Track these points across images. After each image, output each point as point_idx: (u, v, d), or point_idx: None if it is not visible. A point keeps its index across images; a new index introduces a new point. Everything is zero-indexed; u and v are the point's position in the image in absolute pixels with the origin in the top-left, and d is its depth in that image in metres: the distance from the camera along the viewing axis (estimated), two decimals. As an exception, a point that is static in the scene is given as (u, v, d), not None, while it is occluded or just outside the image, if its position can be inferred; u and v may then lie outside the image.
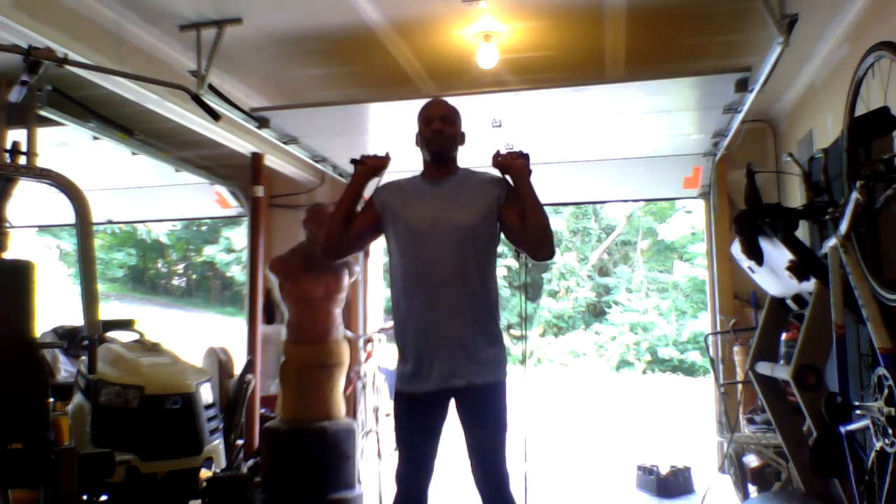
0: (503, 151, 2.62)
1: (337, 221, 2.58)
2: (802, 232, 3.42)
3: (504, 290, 20.26)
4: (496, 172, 2.63)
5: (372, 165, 2.67)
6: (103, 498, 3.49)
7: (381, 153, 2.72)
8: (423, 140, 2.63)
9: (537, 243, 2.46)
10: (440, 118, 2.60)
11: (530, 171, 2.52)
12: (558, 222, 20.54)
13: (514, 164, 2.54)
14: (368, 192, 2.72)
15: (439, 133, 2.58)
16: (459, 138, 2.69)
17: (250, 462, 4.58)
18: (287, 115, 4.39)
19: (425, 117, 2.63)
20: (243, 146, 5.08)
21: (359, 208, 2.66)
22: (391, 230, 2.57)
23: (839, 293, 2.33)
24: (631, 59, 4.40)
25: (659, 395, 13.31)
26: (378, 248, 6.67)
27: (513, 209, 2.49)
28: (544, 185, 6.05)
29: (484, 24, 3.90)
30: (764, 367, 3.25)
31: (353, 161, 2.68)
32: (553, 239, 2.51)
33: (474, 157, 5.76)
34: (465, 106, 4.27)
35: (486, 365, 2.44)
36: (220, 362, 4.84)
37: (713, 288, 5.63)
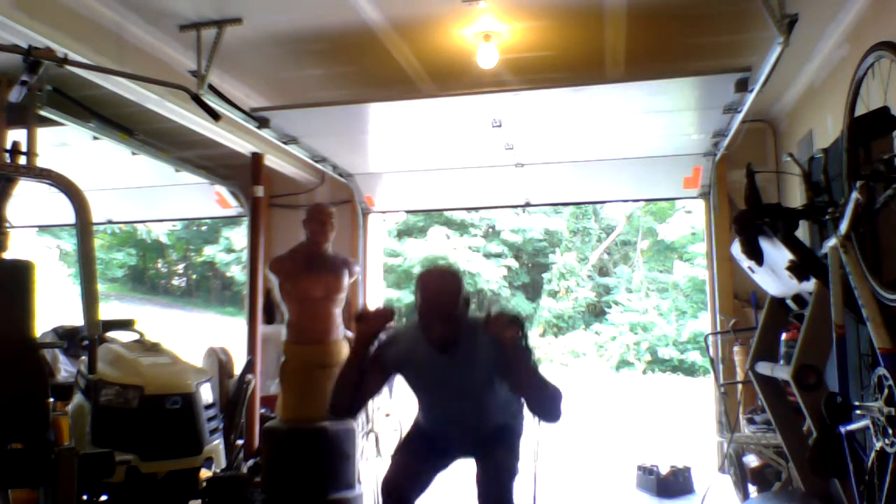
0: (494, 313, 2.49)
1: (345, 388, 2.52)
2: (802, 232, 3.41)
3: (504, 290, 20.29)
4: None
5: (374, 327, 2.53)
6: (103, 498, 3.49)
7: (382, 309, 2.61)
8: (421, 318, 2.48)
9: (538, 413, 2.48)
10: (437, 311, 2.44)
11: (524, 334, 2.43)
12: (558, 222, 20.57)
13: (504, 337, 2.40)
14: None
15: (437, 319, 2.44)
16: (462, 305, 2.48)
17: (250, 462, 4.57)
18: (287, 115, 4.39)
19: (421, 302, 2.47)
20: (243, 146, 5.08)
21: None
22: (405, 379, 2.65)
23: (839, 293, 2.33)
24: (631, 59, 4.40)
25: (659, 395, 13.31)
26: (379, 250, 6.69)
27: (512, 375, 2.48)
28: (544, 185, 6.07)
29: (484, 24, 3.90)
30: (764, 367, 3.25)
31: (356, 317, 2.56)
32: (556, 404, 2.43)
33: (475, 157, 5.78)
34: (465, 106, 4.33)
35: (502, 415, 2.64)
36: (220, 362, 4.83)
37: (713, 288, 5.63)
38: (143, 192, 6.51)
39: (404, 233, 20.00)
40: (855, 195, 2.18)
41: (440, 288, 2.46)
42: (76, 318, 3.47)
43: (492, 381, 2.53)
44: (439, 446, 2.63)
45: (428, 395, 2.66)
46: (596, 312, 20.11)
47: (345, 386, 2.51)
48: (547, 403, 2.43)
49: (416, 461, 2.56)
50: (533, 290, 20.98)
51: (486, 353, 2.46)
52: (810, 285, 2.84)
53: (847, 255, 2.23)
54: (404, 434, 2.72)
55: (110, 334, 4.24)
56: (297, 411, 4.07)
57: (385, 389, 6.07)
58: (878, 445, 2.01)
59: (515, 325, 2.40)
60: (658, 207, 19.21)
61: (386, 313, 2.54)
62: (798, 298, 3.23)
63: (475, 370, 2.49)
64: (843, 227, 2.26)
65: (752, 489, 4.01)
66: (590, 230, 21.24)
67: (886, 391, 1.97)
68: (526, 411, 2.59)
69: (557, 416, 2.43)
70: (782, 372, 2.97)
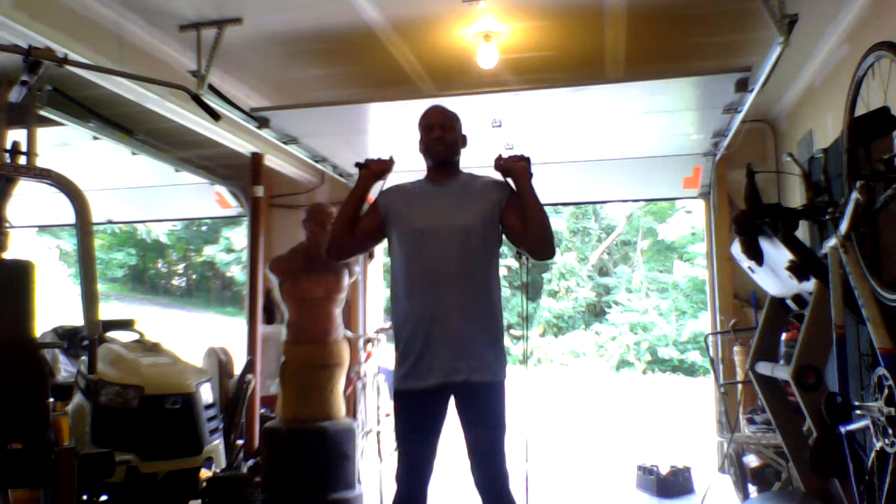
0: (504, 154, 2.64)
1: (341, 223, 2.62)
2: (802, 232, 3.41)
3: (504, 290, 20.24)
4: (498, 176, 2.66)
5: (376, 169, 2.70)
6: (103, 498, 3.49)
7: (385, 156, 2.75)
8: (425, 147, 2.68)
9: (538, 243, 2.52)
10: (439, 125, 2.65)
11: (531, 174, 2.55)
12: (558, 222, 20.55)
13: (516, 166, 2.56)
14: (373, 192, 2.74)
15: (440, 140, 2.63)
16: (461, 142, 2.73)
17: (250, 462, 4.58)
18: (287, 115, 4.39)
19: (425, 125, 2.69)
20: (243, 146, 5.08)
21: (363, 210, 2.69)
22: (395, 232, 2.60)
23: (839, 293, 2.33)
24: (631, 59, 4.40)
25: (659, 395, 13.31)
26: (380, 249, 6.68)
27: (514, 211, 2.55)
28: (544, 185, 6.04)
29: (484, 24, 3.90)
30: (764, 367, 3.26)
31: (358, 164, 2.70)
32: (553, 238, 2.57)
33: (475, 157, 5.76)
34: (465, 106, 4.31)
35: (486, 363, 2.45)
36: (220, 362, 4.83)
37: (713, 288, 5.63)
38: (143, 192, 6.51)
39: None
40: (855, 195, 2.18)
41: (442, 113, 2.70)
42: (76, 318, 3.47)
43: (484, 235, 2.52)
44: (421, 396, 2.45)
45: (413, 246, 2.51)
46: (596, 312, 20.11)
47: (341, 221, 2.62)
48: (546, 236, 2.51)
49: (415, 442, 2.49)
50: (533, 290, 20.98)
51: (484, 197, 2.56)
52: (810, 285, 2.85)
53: (847, 255, 2.23)
54: (393, 411, 2.57)
55: (110, 334, 4.24)
56: (297, 411, 4.08)
57: (385, 388, 6.08)
58: (878, 445, 2.01)
59: (525, 159, 2.56)
60: (658, 207, 19.20)
61: (388, 161, 2.72)
62: (798, 298, 3.23)
63: (469, 212, 2.52)
64: (843, 227, 2.26)
65: (752, 489, 4.02)
66: (590, 230, 21.25)
67: (886, 391, 1.97)
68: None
69: (552, 251, 2.56)
70: (782, 372, 2.97)
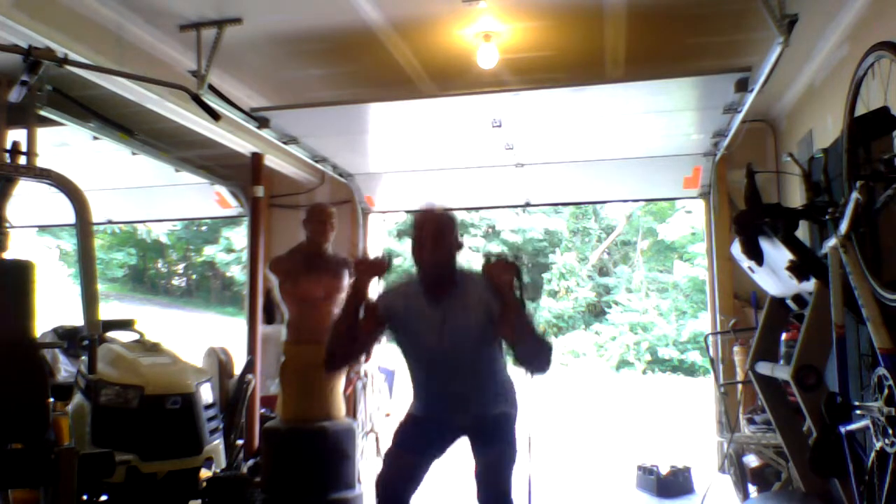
0: (493, 256, 2.51)
1: (340, 334, 2.53)
2: (802, 232, 3.41)
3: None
4: None
5: (371, 273, 2.56)
6: (103, 498, 3.49)
7: (379, 254, 2.63)
8: (416, 263, 2.52)
9: (525, 362, 2.48)
10: (431, 238, 2.47)
11: (521, 281, 2.44)
12: (558, 222, 20.56)
13: (500, 280, 2.41)
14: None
15: (431, 263, 2.47)
16: (456, 250, 2.54)
17: (250, 462, 4.57)
18: (287, 115, 4.39)
19: (416, 236, 2.51)
20: (243, 146, 5.08)
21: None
22: (397, 336, 2.62)
23: (839, 293, 2.33)
24: (631, 59, 4.40)
25: (659, 395, 13.31)
26: (379, 250, 6.68)
27: (505, 321, 2.44)
28: (544, 185, 6.06)
29: (484, 24, 3.90)
30: (764, 367, 3.25)
31: (352, 266, 2.62)
32: (546, 356, 2.44)
33: (475, 157, 5.77)
34: (465, 106, 4.33)
35: (497, 398, 2.58)
36: (220, 362, 4.83)
37: (713, 288, 5.63)
38: (143, 192, 6.51)
39: (404, 233, 19.97)
40: (855, 195, 2.18)
41: (434, 227, 2.48)
42: (76, 318, 3.47)
43: (485, 336, 2.50)
44: (433, 427, 2.57)
45: (420, 351, 2.57)
46: (596, 312, 20.11)
47: (340, 333, 2.53)
48: (537, 353, 2.44)
49: (410, 454, 2.53)
50: (533, 291, 20.98)
51: (481, 301, 2.46)
52: (810, 285, 2.85)
53: (847, 255, 2.23)
54: (397, 426, 2.65)
55: (110, 334, 4.23)
56: (297, 411, 4.07)
57: (385, 388, 6.09)
58: (878, 445, 2.01)
59: (512, 269, 2.42)
60: (658, 207, 19.20)
61: (382, 262, 2.57)
62: (798, 298, 3.23)
63: (469, 320, 2.47)
64: (843, 227, 2.26)
65: (752, 489, 4.01)
66: (590, 230, 21.25)
67: (886, 391, 1.97)
68: (521, 404, 2.64)
69: (546, 366, 2.44)
70: (782, 372, 2.97)
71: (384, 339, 2.70)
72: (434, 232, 2.47)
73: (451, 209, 2.61)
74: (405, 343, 2.62)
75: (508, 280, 2.40)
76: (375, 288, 2.63)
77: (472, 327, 2.48)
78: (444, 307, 2.48)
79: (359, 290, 2.54)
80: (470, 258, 19.33)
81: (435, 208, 2.55)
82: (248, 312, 5.41)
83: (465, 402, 2.55)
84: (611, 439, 8.10)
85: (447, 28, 3.96)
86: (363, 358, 2.81)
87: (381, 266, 2.56)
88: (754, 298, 5.30)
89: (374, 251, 6.36)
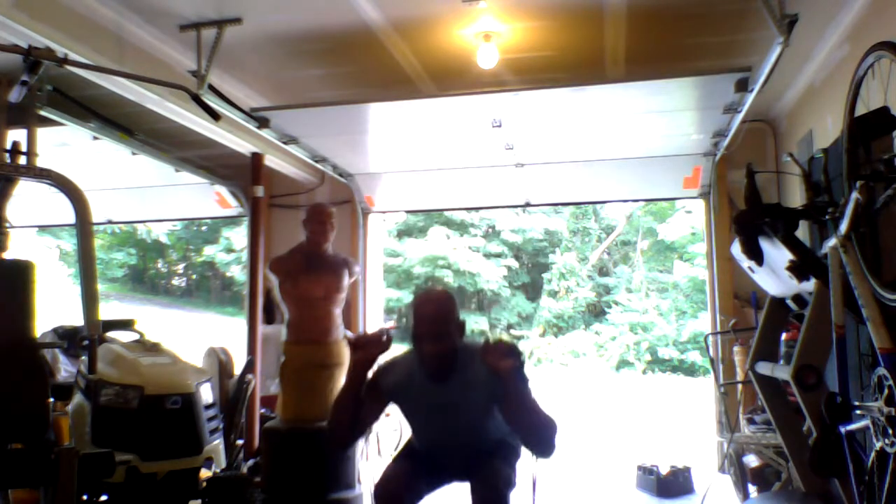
0: (493, 340, 2.47)
1: (344, 416, 2.51)
2: (802, 232, 3.41)
3: (504, 290, 20.29)
4: None
5: (370, 354, 2.52)
6: (103, 498, 3.49)
7: (379, 332, 2.58)
8: (416, 346, 2.48)
9: (529, 444, 2.47)
10: (431, 324, 2.43)
11: (522, 363, 2.40)
12: (558, 222, 20.57)
13: (501, 368, 2.36)
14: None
15: (431, 347, 2.43)
16: (456, 331, 2.50)
17: (250, 462, 4.57)
18: (287, 115, 4.39)
19: (415, 321, 2.48)
20: (243, 146, 5.08)
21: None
22: (400, 409, 2.64)
23: (839, 293, 2.33)
24: (631, 59, 4.40)
25: (659, 395, 13.31)
26: (379, 250, 6.69)
27: (507, 403, 2.43)
28: (544, 185, 6.06)
29: (484, 24, 3.90)
30: (764, 367, 3.25)
31: (351, 344, 2.58)
32: (550, 437, 2.41)
33: (475, 157, 5.77)
34: (465, 106, 4.33)
35: (496, 435, 2.60)
36: (220, 362, 4.83)
37: (713, 288, 5.63)
38: (143, 192, 6.51)
39: (404, 233, 20.01)
40: (855, 195, 2.18)
41: (433, 313, 2.45)
42: (76, 318, 3.46)
43: (488, 410, 2.50)
44: (434, 466, 2.61)
45: (423, 424, 2.64)
46: (596, 312, 20.11)
47: (342, 413, 2.50)
48: (541, 436, 2.40)
49: (411, 472, 2.54)
50: (533, 290, 20.98)
51: (483, 381, 2.42)
52: (810, 285, 2.85)
53: (847, 255, 2.23)
54: (401, 446, 2.71)
55: (110, 334, 4.23)
56: (297, 411, 4.07)
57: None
58: (878, 445, 2.01)
59: (512, 355, 2.36)
60: (658, 207, 19.21)
61: (382, 340, 2.51)
62: (798, 298, 3.23)
63: (471, 398, 2.46)
64: (843, 227, 2.26)
65: (752, 489, 4.01)
66: (590, 230, 21.25)
67: (886, 391, 1.97)
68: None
69: (551, 449, 2.41)
70: (782, 372, 2.97)
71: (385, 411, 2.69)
72: (433, 317, 2.44)
73: (449, 292, 2.63)
74: (406, 416, 2.67)
75: (509, 366, 2.35)
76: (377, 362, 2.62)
77: (473, 406, 2.49)
78: (446, 389, 2.47)
79: (359, 369, 2.51)
80: (471, 258, 19.35)
81: (433, 291, 2.62)
82: (248, 312, 5.41)
83: (466, 454, 2.57)
84: (611, 439, 8.10)
85: (447, 28, 3.96)
86: (367, 433, 2.80)
87: (380, 344, 2.51)
88: (754, 298, 5.30)
89: (374, 253, 6.37)
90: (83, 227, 2.80)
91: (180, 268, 23.68)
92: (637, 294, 19.60)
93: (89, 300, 2.78)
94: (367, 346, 2.51)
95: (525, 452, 2.60)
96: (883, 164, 2.15)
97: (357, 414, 2.50)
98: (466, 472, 2.53)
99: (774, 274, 3.19)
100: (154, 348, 4.03)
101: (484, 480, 2.43)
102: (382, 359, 2.60)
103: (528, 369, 2.45)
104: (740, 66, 3.58)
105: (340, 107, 4.35)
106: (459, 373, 2.47)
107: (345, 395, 2.53)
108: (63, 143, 4.96)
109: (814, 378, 2.66)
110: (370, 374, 2.56)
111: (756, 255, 3.07)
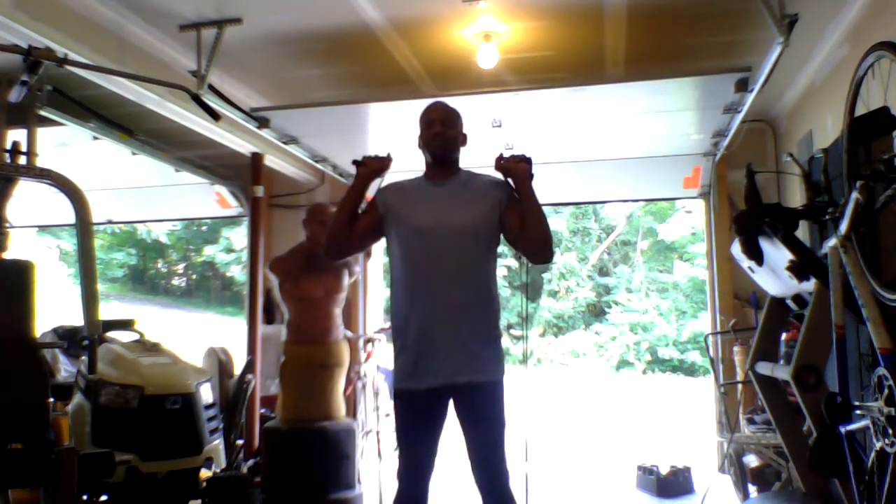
0: (505, 154, 2.63)
1: (340, 221, 2.61)
2: (802, 232, 3.41)
3: (504, 290, 20.27)
4: (498, 175, 2.65)
5: (374, 167, 2.69)
6: (103, 498, 3.49)
7: (383, 153, 2.74)
8: (424, 143, 2.66)
9: (537, 247, 2.51)
10: (440, 121, 2.64)
11: (532, 175, 2.53)
12: (558, 222, 20.54)
13: (517, 168, 2.54)
14: (371, 190, 2.74)
15: (440, 136, 2.62)
16: (461, 139, 2.71)
17: (250, 462, 4.58)
18: (287, 115, 4.39)
19: (425, 120, 2.67)
20: (243, 146, 5.08)
21: (361, 208, 2.68)
22: (393, 231, 2.58)
23: (839, 293, 2.33)
24: (631, 59, 4.40)
25: (659, 395, 13.31)
26: (378, 248, 6.68)
27: (514, 212, 2.53)
28: (544, 185, 6.05)
29: (484, 24, 3.90)
30: (764, 367, 3.26)
31: (355, 162, 2.70)
32: (552, 243, 2.55)
33: (475, 157, 5.76)
34: (465, 106, 4.30)
35: (486, 363, 2.47)
36: (220, 362, 4.83)
37: (713, 288, 5.63)
38: (143, 192, 6.51)
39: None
40: (855, 195, 2.18)
41: (442, 111, 2.68)
42: (76, 318, 3.46)
43: (483, 234, 2.51)
44: (421, 397, 2.46)
45: (413, 241, 2.51)
46: (596, 312, 20.10)
47: (340, 219, 2.60)
48: (544, 240, 2.50)
49: (417, 441, 2.50)
50: (533, 291, 20.97)
51: (484, 196, 2.55)
52: (810, 285, 2.85)
53: (847, 255, 2.23)
54: (394, 412, 2.58)
55: (110, 334, 4.23)
56: (297, 411, 4.08)
57: (385, 388, 6.09)
58: (878, 445, 2.01)
59: (526, 160, 2.54)
60: (658, 207, 19.19)
61: (384, 159, 2.70)
62: (798, 298, 3.23)
63: (469, 211, 2.51)
64: (843, 227, 2.26)
65: (752, 489, 4.02)
66: (590, 230, 21.24)
67: (886, 391, 1.97)
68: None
69: (551, 255, 2.56)
70: (782, 372, 2.97)
71: (381, 235, 2.67)
72: (442, 114, 2.65)
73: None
74: (398, 241, 2.55)
75: (524, 168, 2.52)
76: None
77: (471, 221, 2.51)
78: (446, 191, 2.58)
79: (360, 179, 2.66)
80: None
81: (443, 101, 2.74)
82: (248, 312, 5.41)
83: (452, 326, 2.42)
84: (611, 439, 8.10)
85: (447, 28, 3.96)
86: (362, 253, 2.88)
87: (382, 162, 2.69)
88: (754, 298, 5.30)
89: (373, 255, 6.37)
90: (83, 227, 2.80)
91: (180, 268, 23.66)
92: (637, 294, 19.59)
93: (89, 300, 2.78)
94: (369, 162, 2.69)
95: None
96: (883, 164, 2.14)
97: (353, 224, 2.60)
98: (457, 388, 2.43)
99: (774, 274, 3.19)
100: (154, 348, 4.03)
101: (480, 445, 2.43)
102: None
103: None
104: (740, 66, 3.58)
105: (340, 107, 4.35)
106: (462, 181, 2.62)
107: (344, 203, 2.63)
108: (63, 143, 4.96)
109: (814, 378, 2.66)
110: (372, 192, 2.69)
111: (756, 255, 3.07)
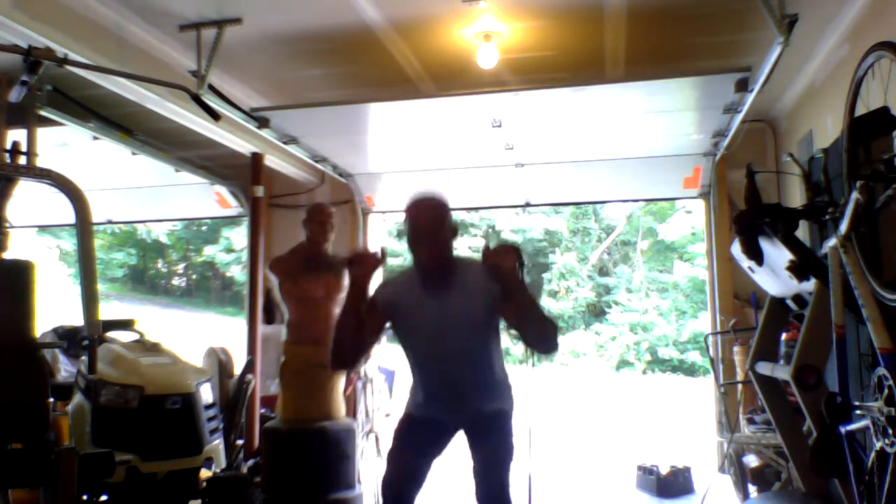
0: (492, 244, 2.53)
1: (346, 334, 2.52)
2: (802, 232, 3.41)
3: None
4: None
5: (367, 268, 2.54)
6: (103, 498, 3.49)
7: (376, 250, 2.60)
8: (414, 256, 2.51)
9: (533, 344, 2.50)
10: (429, 233, 2.46)
11: (522, 265, 2.42)
12: (558, 222, 20.56)
13: (502, 267, 2.40)
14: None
15: (433, 258, 2.47)
16: (452, 238, 2.54)
17: (250, 462, 4.57)
18: (287, 115, 4.39)
19: (411, 232, 2.50)
20: (243, 146, 5.08)
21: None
22: (397, 328, 2.62)
23: (839, 293, 2.33)
24: (631, 59, 4.40)
25: (659, 395, 13.31)
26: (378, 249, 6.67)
27: (508, 305, 2.46)
28: (544, 185, 6.05)
29: (484, 24, 3.90)
30: (764, 367, 3.25)
31: (349, 262, 2.59)
32: (554, 334, 2.47)
33: (475, 157, 5.77)
34: (465, 106, 4.33)
35: (494, 392, 2.58)
36: (220, 362, 4.83)
37: (713, 288, 5.63)
38: (143, 192, 6.50)
39: (404, 233, 19.95)
40: (855, 195, 2.18)
41: (428, 214, 2.48)
42: (76, 318, 3.47)
43: (485, 324, 2.51)
44: (430, 425, 2.57)
45: (420, 340, 2.57)
46: (596, 312, 20.11)
47: (344, 332, 2.52)
48: (544, 333, 2.45)
49: (412, 454, 2.53)
50: (533, 290, 20.95)
51: (481, 290, 2.46)
52: (810, 285, 2.85)
53: (847, 255, 2.23)
54: (395, 427, 2.64)
55: (110, 334, 4.23)
56: (297, 411, 4.07)
57: (385, 388, 6.09)
58: (878, 445, 2.01)
59: (513, 253, 2.40)
60: (658, 207, 19.20)
61: (376, 255, 2.54)
62: (798, 298, 3.23)
63: (468, 307, 2.47)
64: (843, 227, 2.26)
65: (752, 489, 4.01)
66: (590, 230, 21.25)
67: (886, 391, 1.97)
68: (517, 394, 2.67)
69: (553, 347, 2.49)
70: (782, 372, 2.97)
71: (386, 335, 2.68)
72: (428, 220, 2.47)
73: (443, 196, 2.58)
74: (405, 334, 2.61)
75: (510, 263, 2.39)
76: (374, 282, 2.63)
77: (471, 315, 2.48)
78: (443, 295, 2.49)
79: (357, 284, 2.53)
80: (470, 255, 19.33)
81: (426, 196, 2.54)
82: (248, 312, 5.41)
83: (462, 394, 2.54)
84: (611, 439, 8.10)
85: (447, 28, 3.96)
86: (367, 354, 2.80)
87: (376, 259, 2.54)
88: (754, 298, 5.30)
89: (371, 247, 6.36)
90: (83, 227, 2.80)
91: (180, 268, 23.67)
92: (637, 294, 19.60)
93: (89, 300, 2.78)
94: (361, 262, 2.53)
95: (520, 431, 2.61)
96: (883, 164, 2.14)
97: (359, 331, 2.52)
98: (464, 425, 2.53)
99: (774, 274, 3.19)
100: (154, 348, 4.03)
101: (486, 462, 2.45)
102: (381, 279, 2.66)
103: (526, 271, 2.47)
104: (740, 66, 3.58)
105: (340, 107, 4.35)
106: (457, 279, 2.50)
107: (346, 312, 2.55)
108: (63, 143, 4.96)
109: (814, 378, 2.66)
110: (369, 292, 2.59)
111: (756, 255, 3.07)
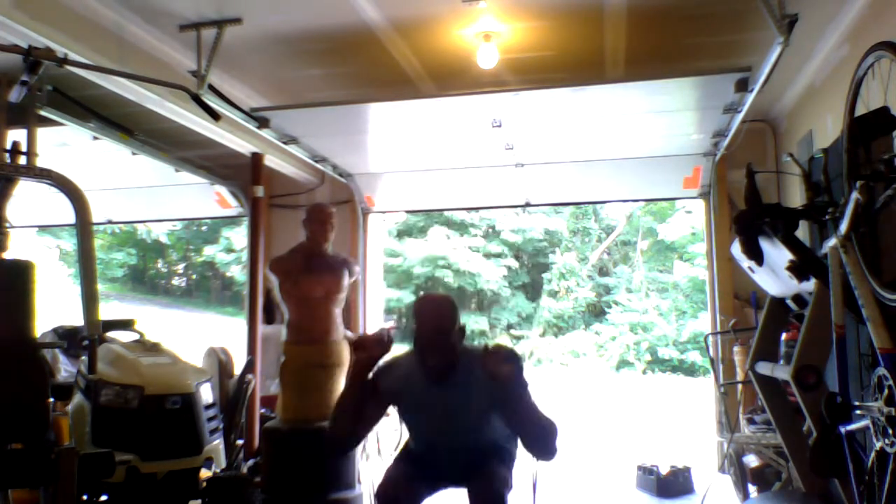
0: (492, 345, 2.47)
1: (346, 417, 2.52)
2: (802, 232, 3.41)
3: (504, 290, 20.29)
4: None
5: (373, 353, 2.53)
6: (103, 498, 3.49)
7: (382, 332, 2.57)
8: (417, 349, 2.49)
9: (531, 448, 2.48)
10: (437, 330, 2.45)
11: (521, 370, 2.39)
12: (558, 222, 20.57)
13: (501, 373, 2.35)
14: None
15: (432, 350, 2.46)
16: (456, 335, 2.52)
17: (250, 462, 4.57)
18: (287, 115, 4.39)
19: (417, 329, 2.49)
20: (243, 146, 5.08)
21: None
22: (399, 413, 2.66)
23: (839, 293, 2.33)
24: (631, 59, 4.40)
25: (659, 395, 13.32)
26: (379, 250, 6.68)
27: (506, 409, 2.46)
28: (544, 185, 6.05)
29: (484, 24, 3.90)
30: (764, 367, 3.25)
31: (354, 346, 2.58)
32: (553, 440, 2.43)
33: (475, 157, 5.76)
34: (465, 106, 4.33)
35: (494, 458, 2.60)
36: (220, 362, 4.83)
37: (713, 288, 5.63)
38: (143, 192, 6.51)
39: (404, 233, 20.01)
40: (855, 195, 2.18)
41: (435, 316, 2.48)
42: (76, 318, 3.47)
43: (486, 415, 2.52)
44: (432, 469, 2.61)
45: (421, 427, 2.64)
46: (596, 312, 20.11)
47: (344, 414, 2.51)
48: (542, 440, 2.42)
49: (410, 476, 2.55)
50: (533, 290, 20.98)
51: (482, 386, 2.43)
52: (810, 285, 2.85)
53: (847, 255, 2.23)
54: (400, 447, 2.71)
55: (110, 334, 4.23)
56: (297, 411, 4.07)
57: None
58: (878, 445, 2.01)
59: (512, 361, 2.36)
60: (658, 207, 19.21)
61: (384, 341, 2.52)
62: (798, 298, 3.23)
63: (471, 402, 2.47)
64: (843, 227, 2.26)
65: (752, 489, 4.02)
66: (590, 230, 21.25)
67: (886, 391, 1.97)
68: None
69: (553, 453, 2.43)
70: (782, 372, 2.97)
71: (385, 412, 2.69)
72: (433, 320, 2.47)
73: (450, 297, 2.62)
74: (406, 419, 2.68)
75: (508, 372, 2.34)
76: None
77: (473, 411, 2.49)
78: (446, 392, 2.48)
79: (360, 369, 2.52)
80: (471, 258, 19.35)
81: (434, 297, 2.60)
82: (248, 312, 5.41)
83: (464, 459, 2.56)
84: (611, 439, 8.10)
85: (447, 28, 3.96)
86: (365, 436, 2.80)
87: (383, 345, 2.52)
88: (754, 298, 5.30)
89: (374, 253, 6.37)
90: (83, 227, 2.80)
91: (180, 268, 23.68)
92: (637, 294, 19.60)
93: (89, 300, 2.78)
94: (368, 347, 2.51)
95: (522, 453, 2.60)
96: (883, 164, 2.14)
97: (358, 414, 2.51)
98: (464, 476, 2.52)
99: (774, 274, 3.19)
100: (154, 348, 4.03)
101: (482, 483, 2.43)
102: (383, 360, 2.60)
103: (528, 371, 2.45)
104: (740, 66, 3.58)
105: (340, 107, 4.35)
106: (459, 377, 2.48)
107: (346, 395, 2.56)
108: (63, 143, 4.96)
109: (814, 378, 2.66)
110: (370, 375, 2.57)
111: (756, 255, 3.07)
